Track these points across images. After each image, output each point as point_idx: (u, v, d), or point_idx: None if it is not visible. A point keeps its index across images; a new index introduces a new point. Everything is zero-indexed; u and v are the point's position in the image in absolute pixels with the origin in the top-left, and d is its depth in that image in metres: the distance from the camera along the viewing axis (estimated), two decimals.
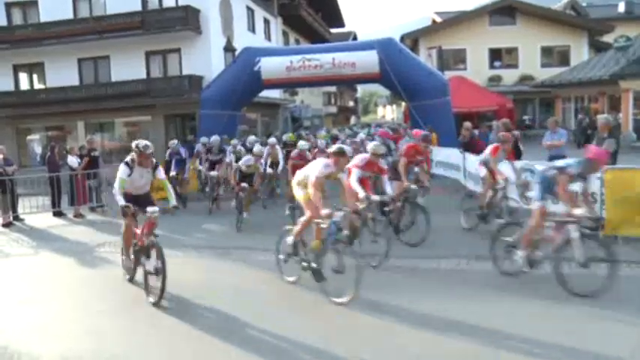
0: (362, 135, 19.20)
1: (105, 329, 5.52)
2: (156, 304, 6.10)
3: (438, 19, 37.05)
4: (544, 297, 5.72)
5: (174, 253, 8.63)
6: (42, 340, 5.32)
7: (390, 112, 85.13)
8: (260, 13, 30.87)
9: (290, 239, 6.62)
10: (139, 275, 6.83)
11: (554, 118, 12.79)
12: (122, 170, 6.63)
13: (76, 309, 6.27)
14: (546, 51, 32.55)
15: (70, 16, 24.66)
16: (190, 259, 8.46)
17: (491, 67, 32.79)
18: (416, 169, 9.08)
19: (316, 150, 13.30)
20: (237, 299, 6.28)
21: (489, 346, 4.66)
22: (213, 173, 12.84)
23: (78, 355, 4.93)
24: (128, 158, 6.67)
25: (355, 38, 48.32)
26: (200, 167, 14.75)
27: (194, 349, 4.97)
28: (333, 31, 46.00)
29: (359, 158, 7.93)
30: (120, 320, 5.79)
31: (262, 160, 12.09)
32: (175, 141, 14.39)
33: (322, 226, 6.25)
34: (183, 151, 13.96)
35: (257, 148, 11.54)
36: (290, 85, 25.14)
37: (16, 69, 26.15)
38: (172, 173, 13.14)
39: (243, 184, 10.67)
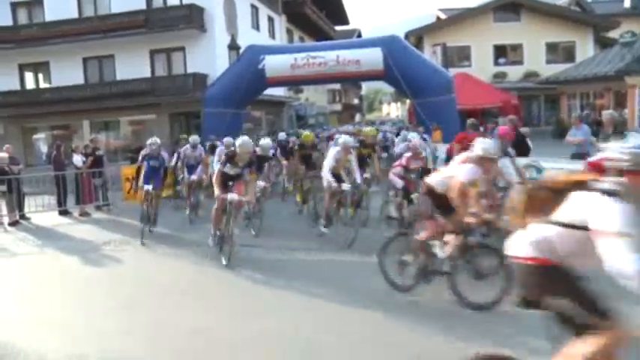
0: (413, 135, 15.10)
1: (110, 328, 5.54)
2: None
3: (443, 16, 36.92)
4: None
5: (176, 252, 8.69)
6: (47, 339, 5.34)
7: (394, 110, 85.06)
8: (264, 11, 30.87)
9: None
10: None
11: (577, 114, 12.62)
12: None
13: (81, 307, 6.29)
14: (551, 47, 32.41)
15: (74, 15, 24.77)
16: (194, 257, 8.46)
17: (496, 63, 32.68)
18: None
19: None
20: (241, 296, 6.30)
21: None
22: (232, 196, 7.74)
23: (83, 354, 4.94)
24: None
25: (359, 36, 48.21)
26: (188, 176, 11.69)
27: (200, 348, 4.99)
28: (338, 28, 45.93)
29: None
30: (125, 319, 5.80)
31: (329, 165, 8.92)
32: (156, 140, 10.46)
33: None
34: (166, 156, 11.05)
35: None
36: (294, 82, 25.18)
37: (22, 68, 26.29)
38: (147, 187, 9.82)
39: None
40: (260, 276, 7.11)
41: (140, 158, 10.30)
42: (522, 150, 10.33)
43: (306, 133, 13.76)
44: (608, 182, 2.69)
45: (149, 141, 10.42)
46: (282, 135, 16.60)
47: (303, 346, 4.85)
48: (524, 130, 11.97)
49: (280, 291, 6.42)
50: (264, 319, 5.52)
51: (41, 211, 13.37)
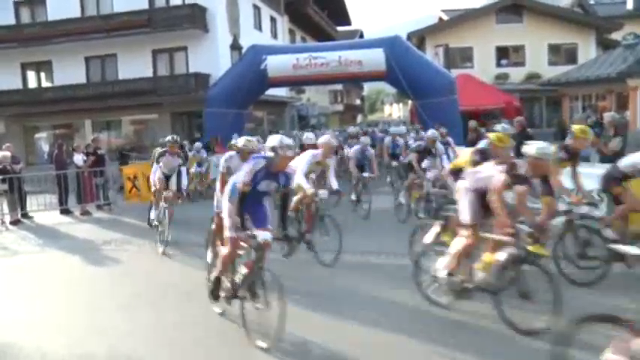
0: None
1: (112, 328, 5.55)
2: None
3: (445, 17, 36.89)
4: None
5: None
6: (49, 338, 5.35)
7: (396, 111, 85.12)
8: (266, 12, 30.88)
9: None
10: None
11: (579, 116, 12.19)
12: None
13: (82, 306, 6.30)
14: (553, 49, 32.33)
15: (77, 14, 24.81)
16: (194, 257, 8.46)
17: (498, 65, 32.59)
18: None
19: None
20: None
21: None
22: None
23: (85, 353, 4.96)
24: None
25: (362, 36, 48.20)
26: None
27: (204, 347, 5.00)
28: (340, 29, 45.92)
29: None
30: (126, 319, 5.80)
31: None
32: (284, 140, 5.49)
33: None
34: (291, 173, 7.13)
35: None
36: (296, 83, 25.17)
37: (24, 67, 26.34)
38: (262, 238, 4.90)
39: None
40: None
41: (247, 175, 5.13)
42: None
43: (500, 133, 6.88)
44: None
45: (274, 142, 5.18)
46: (310, 136, 11.64)
47: (305, 347, 4.85)
48: (529, 131, 11.94)
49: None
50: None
51: (42, 210, 13.40)
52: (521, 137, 10.98)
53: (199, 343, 5.08)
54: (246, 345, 4.89)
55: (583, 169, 7.97)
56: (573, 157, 6.51)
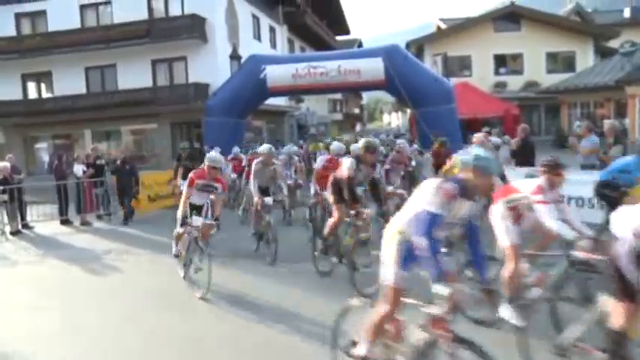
0: None
1: (110, 338, 5.54)
2: None
3: (443, 26, 37.13)
4: None
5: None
6: (49, 348, 5.34)
7: (395, 119, 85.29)
8: (265, 21, 31.03)
9: None
10: None
11: (585, 122, 11.83)
12: None
13: (81, 317, 6.28)
14: (551, 57, 32.52)
15: (77, 25, 24.92)
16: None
17: (497, 73, 32.79)
18: None
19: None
20: (242, 306, 6.29)
21: None
22: None
23: None
24: None
25: (360, 45, 48.40)
26: None
27: (206, 356, 4.99)
28: (339, 38, 46.10)
29: None
30: (125, 329, 5.80)
31: None
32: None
33: None
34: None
35: None
36: (296, 92, 25.23)
37: (25, 78, 26.40)
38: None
39: None
40: (262, 286, 7.09)
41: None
42: (533, 160, 10.38)
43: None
44: None
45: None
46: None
47: (306, 358, 4.84)
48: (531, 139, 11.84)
49: (285, 301, 6.39)
50: (267, 329, 5.51)
51: (43, 220, 13.40)
52: (524, 145, 10.90)
53: (201, 352, 5.07)
54: (245, 353, 4.89)
55: (585, 177, 8.03)
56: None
